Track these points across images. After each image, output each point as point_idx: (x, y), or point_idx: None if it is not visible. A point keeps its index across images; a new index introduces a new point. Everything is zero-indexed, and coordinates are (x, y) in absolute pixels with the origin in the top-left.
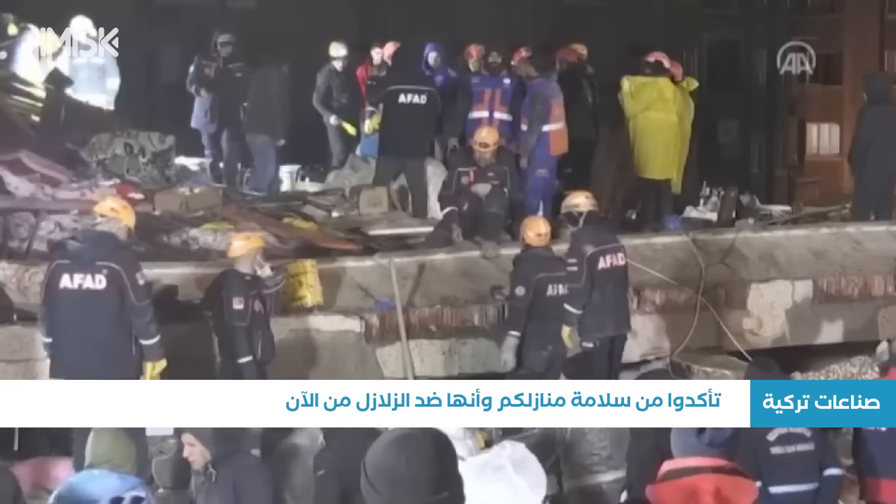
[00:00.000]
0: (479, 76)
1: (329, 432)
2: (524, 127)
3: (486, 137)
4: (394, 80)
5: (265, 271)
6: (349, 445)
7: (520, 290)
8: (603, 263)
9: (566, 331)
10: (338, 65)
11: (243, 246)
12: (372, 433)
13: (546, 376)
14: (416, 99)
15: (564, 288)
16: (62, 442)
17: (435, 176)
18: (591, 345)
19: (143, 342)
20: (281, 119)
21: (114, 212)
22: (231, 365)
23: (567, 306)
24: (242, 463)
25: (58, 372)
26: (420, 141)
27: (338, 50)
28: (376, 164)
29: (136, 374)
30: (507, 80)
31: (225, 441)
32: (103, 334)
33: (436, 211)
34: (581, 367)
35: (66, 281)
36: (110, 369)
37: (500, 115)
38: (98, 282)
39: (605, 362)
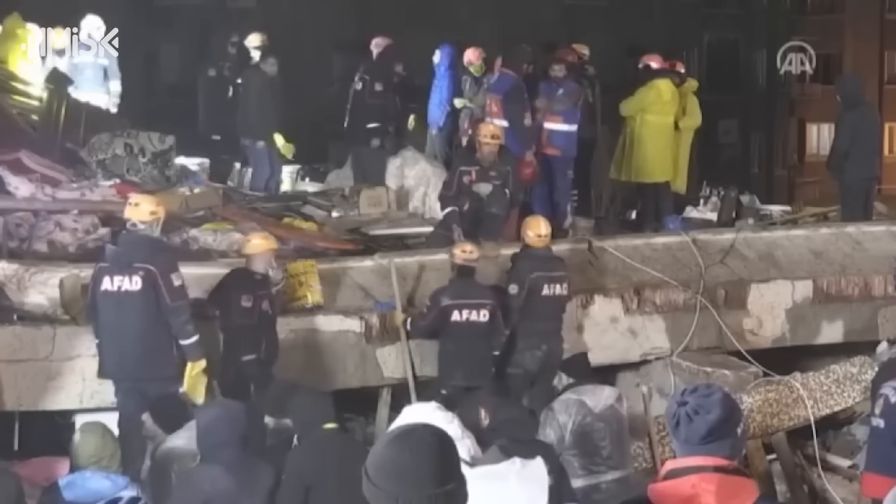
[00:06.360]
0: (548, 84)
1: (301, 431)
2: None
3: (496, 129)
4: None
5: (277, 273)
6: (317, 446)
7: (513, 289)
8: (457, 317)
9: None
10: (256, 55)
11: (261, 244)
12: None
13: (539, 376)
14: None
15: (561, 288)
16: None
17: (435, 176)
18: (444, 392)
19: (182, 342)
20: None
21: (153, 215)
22: (234, 362)
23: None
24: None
25: (104, 371)
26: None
27: (253, 41)
28: (350, 161)
29: (177, 373)
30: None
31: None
32: (141, 335)
33: (436, 211)
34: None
35: (106, 283)
36: (150, 369)
37: None
38: (134, 283)
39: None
